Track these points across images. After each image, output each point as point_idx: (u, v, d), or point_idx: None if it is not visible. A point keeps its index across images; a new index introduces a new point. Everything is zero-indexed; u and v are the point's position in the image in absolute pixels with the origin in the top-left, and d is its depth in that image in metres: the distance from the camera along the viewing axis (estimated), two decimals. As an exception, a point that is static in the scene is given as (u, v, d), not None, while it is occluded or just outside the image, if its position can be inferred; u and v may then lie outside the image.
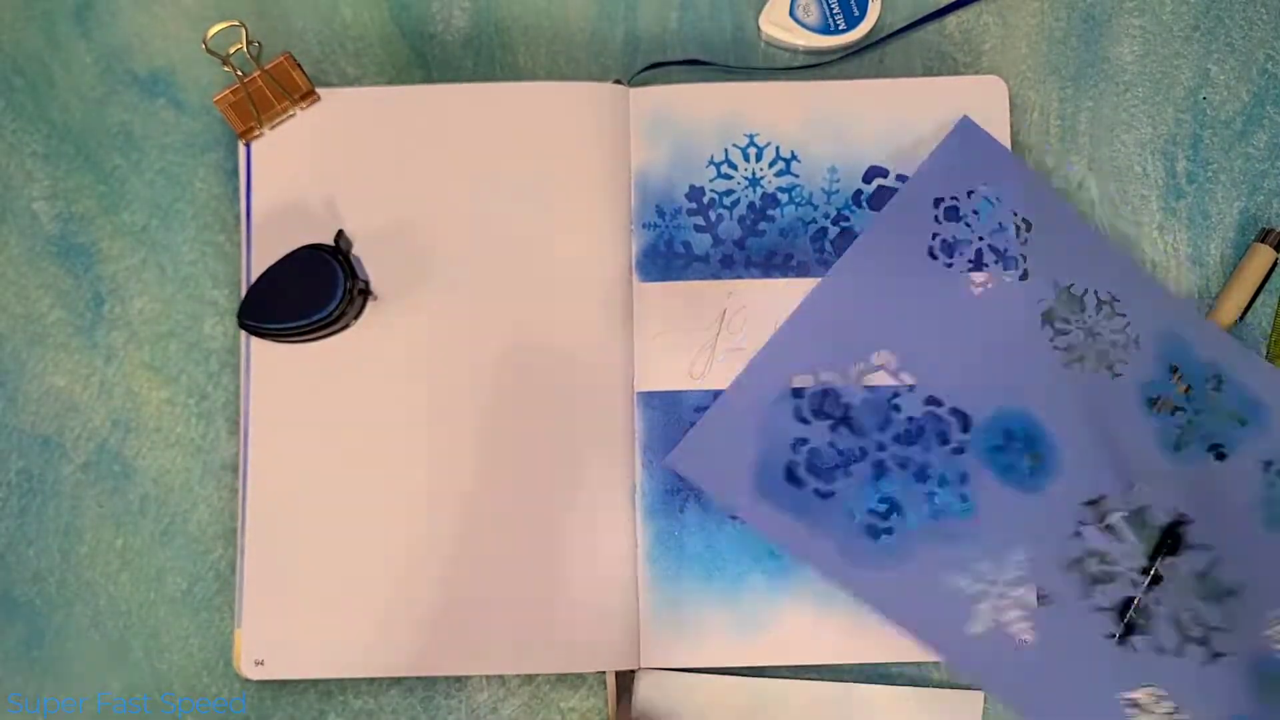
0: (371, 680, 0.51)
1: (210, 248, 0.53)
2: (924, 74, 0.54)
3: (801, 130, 0.52)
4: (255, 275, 0.50)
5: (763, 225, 0.52)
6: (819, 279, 0.51)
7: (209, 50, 0.50)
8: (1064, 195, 0.53)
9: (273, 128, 0.52)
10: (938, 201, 0.51)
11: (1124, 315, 0.51)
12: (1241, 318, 0.52)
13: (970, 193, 0.51)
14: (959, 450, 0.50)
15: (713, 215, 0.52)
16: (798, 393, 0.50)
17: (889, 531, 0.50)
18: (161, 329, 0.53)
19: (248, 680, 0.51)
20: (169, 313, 0.53)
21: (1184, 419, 0.51)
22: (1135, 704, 0.49)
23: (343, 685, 0.51)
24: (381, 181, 0.51)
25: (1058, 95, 0.54)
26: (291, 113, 0.52)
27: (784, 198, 0.52)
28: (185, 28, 0.54)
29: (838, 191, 0.52)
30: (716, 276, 0.52)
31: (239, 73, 0.51)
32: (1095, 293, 0.51)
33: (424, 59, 0.54)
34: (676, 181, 0.52)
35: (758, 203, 0.52)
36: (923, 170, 0.51)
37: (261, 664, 0.50)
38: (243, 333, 0.51)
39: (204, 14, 0.54)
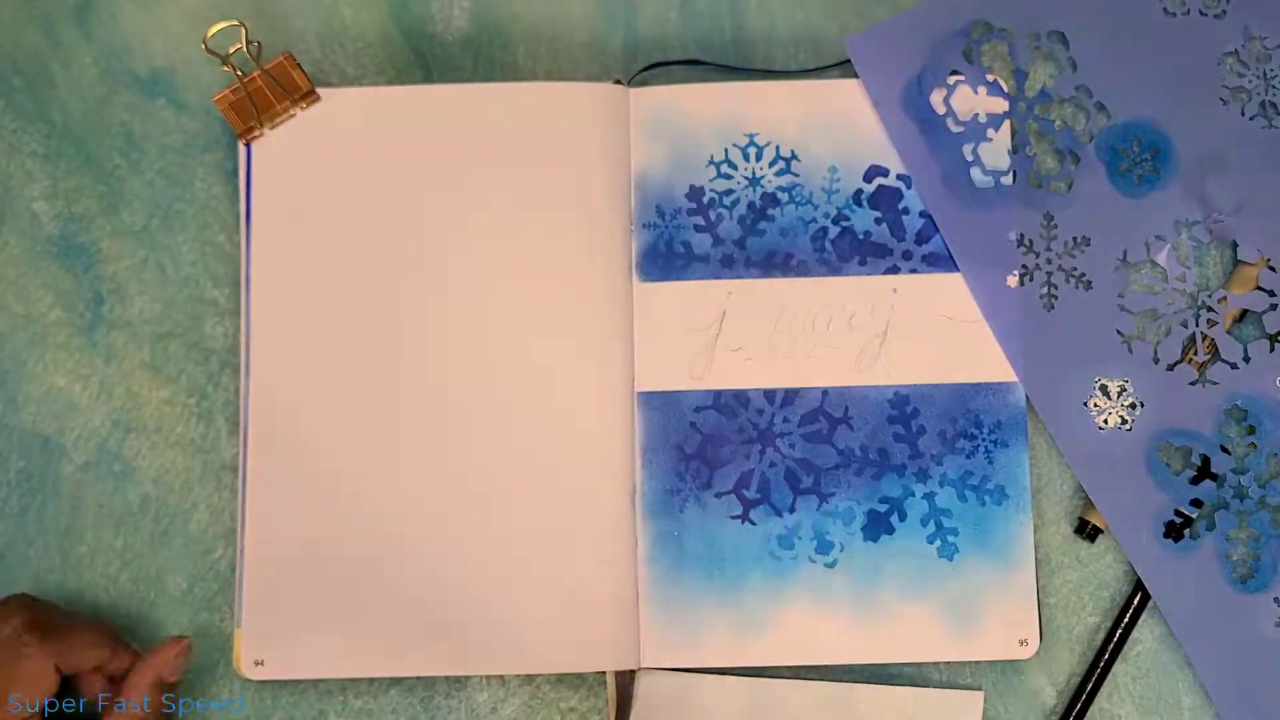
0: (371, 680, 0.51)
1: (210, 248, 0.53)
2: (924, 74, 0.54)
3: (801, 129, 0.52)
4: (255, 275, 0.50)
5: (763, 225, 0.52)
6: (818, 278, 0.51)
7: (209, 50, 0.50)
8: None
9: (273, 128, 0.52)
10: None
11: None
12: (1241, 318, 0.52)
13: None
14: (1090, 137, 0.51)
15: (713, 215, 0.52)
16: (970, 38, 0.52)
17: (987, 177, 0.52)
18: (161, 329, 0.53)
19: (248, 680, 0.51)
20: (169, 313, 0.53)
21: None
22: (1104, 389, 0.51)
23: (343, 685, 0.51)
24: (381, 181, 0.51)
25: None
26: (291, 113, 0.52)
27: (784, 197, 0.52)
28: (185, 28, 0.54)
29: (838, 191, 0.52)
30: (716, 276, 0.52)
31: (239, 73, 0.51)
32: None
33: (424, 59, 0.54)
34: (676, 181, 0.52)
35: (758, 202, 0.52)
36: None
37: (261, 664, 0.50)
38: (243, 332, 0.51)
39: (204, 14, 0.54)
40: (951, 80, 0.52)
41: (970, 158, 0.52)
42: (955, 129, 0.52)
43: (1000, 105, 0.52)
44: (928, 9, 0.52)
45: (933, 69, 0.52)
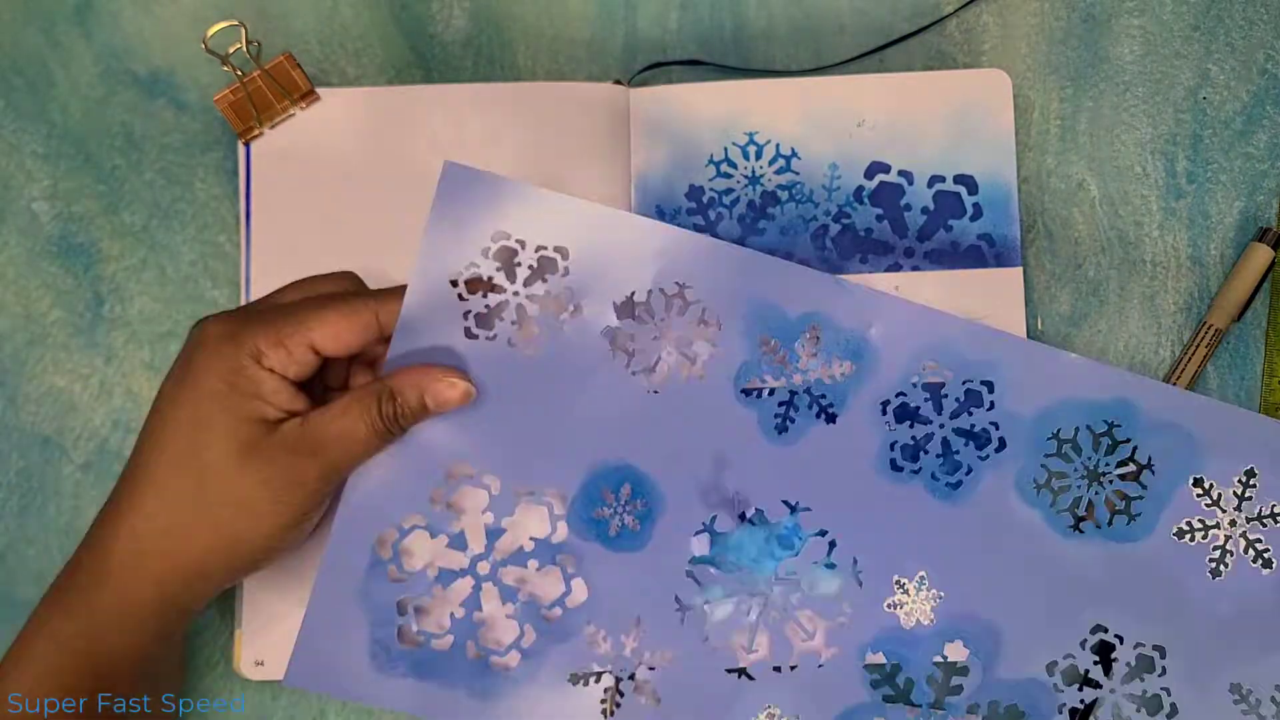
0: (371, 680, 0.51)
1: (210, 248, 0.53)
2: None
3: (801, 127, 0.52)
4: (255, 275, 0.50)
5: (763, 224, 0.52)
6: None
7: (209, 50, 0.50)
8: (1064, 196, 0.53)
9: (273, 128, 0.52)
10: (454, 282, 0.46)
11: (698, 301, 0.46)
12: (1240, 317, 0.52)
13: (486, 250, 0.46)
14: (559, 537, 0.46)
15: (712, 214, 0.52)
16: (387, 551, 0.46)
17: (516, 655, 0.46)
18: (161, 329, 0.53)
19: (248, 680, 0.50)
20: (169, 313, 0.53)
21: (783, 391, 0.46)
22: None
23: (343, 685, 0.51)
24: (381, 181, 0.51)
25: (1058, 95, 0.54)
26: (291, 113, 0.52)
27: (784, 195, 0.52)
28: (185, 28, 0.54)
29: (839, 188, 0.52)
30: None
31: (239, 72, 0.51)
32: (661, 290, 0.46)
33: (424, 59, 0.54)
34: (676, 181, 0.52)
35: (757, 201, 0.52)
36: (429, 246, 0.46)
37: (261, 664, 0.50)
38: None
39: (204, 14, 0.54)
40: (407, 615, 0.46)
41: None
42: None
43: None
44: (328, 572, 0.46)
45: (378, 625, 0.46)
